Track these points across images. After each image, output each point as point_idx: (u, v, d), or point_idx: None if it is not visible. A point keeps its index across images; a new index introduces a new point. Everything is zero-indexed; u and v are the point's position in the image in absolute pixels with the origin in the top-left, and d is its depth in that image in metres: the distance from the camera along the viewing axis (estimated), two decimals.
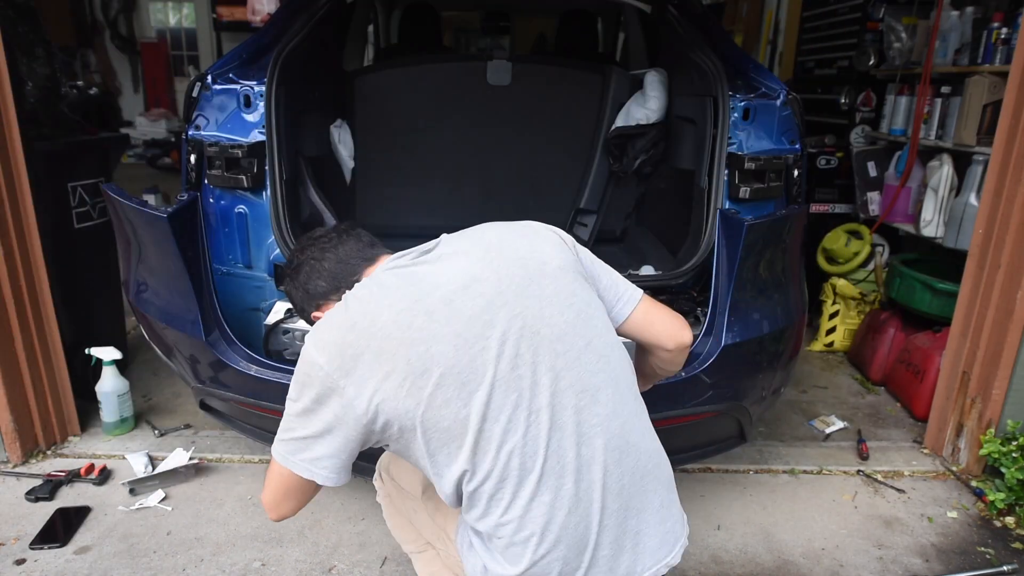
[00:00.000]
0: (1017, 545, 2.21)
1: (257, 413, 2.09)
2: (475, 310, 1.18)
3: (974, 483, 2.48)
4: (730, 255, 1.91)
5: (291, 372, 1.91)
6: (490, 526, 1.21)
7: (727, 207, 2.13)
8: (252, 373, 1.94)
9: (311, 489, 1.25)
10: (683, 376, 1.88)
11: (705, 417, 2.03)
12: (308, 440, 1.19)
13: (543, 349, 1.20)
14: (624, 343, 1.35)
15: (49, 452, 2.55)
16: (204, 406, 2.24)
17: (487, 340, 1.17)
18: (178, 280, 1.90)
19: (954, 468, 2.58)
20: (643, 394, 1.39)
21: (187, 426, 2.74)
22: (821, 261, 3.69)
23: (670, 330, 1.42)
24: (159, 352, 2.29)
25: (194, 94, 2.20)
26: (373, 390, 1.15)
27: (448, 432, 1.17)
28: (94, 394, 2.65)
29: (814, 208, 3.94)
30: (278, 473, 1.23)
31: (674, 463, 2.08)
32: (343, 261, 1.36)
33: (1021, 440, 2.36)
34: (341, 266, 1.36)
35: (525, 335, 1.19)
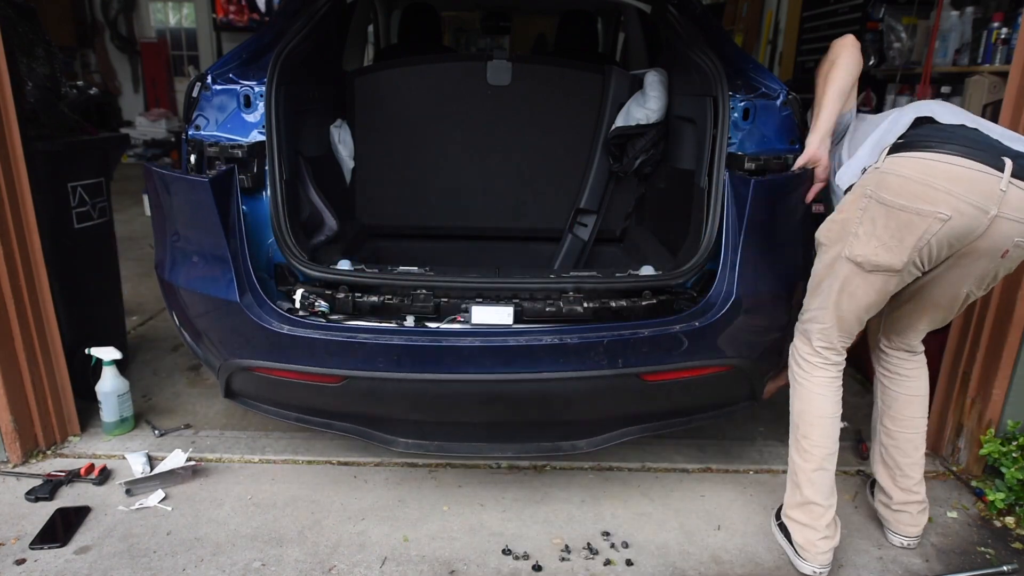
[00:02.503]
0: (1017, 545, 2.21)
1: (287, 382, 2.10)
2: None
3: (974, 483, 2.48)
4: (739, 211, 2.09)
5: (322, 330, 2.04)
6: None
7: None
8: (285, 332, 1.99)
9: None
10: (696, 326, 2.04)
11: (716, 371, 2.14)
12: None
13: None
14: None
15: (49, 452, 2.55)
16: (229, 392, 2.26)
17: None
18: (216, 241, 2.02)
19: (954, 468, 2.58)
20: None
21: (187, 426, 2.74)
22: None
23: None
24: (186, 338, 2.31)
25: (194, 94, 2.20)
26: None
27: None
28: (94, 394, 2.65)
29: (814, 208, 3.92)
30: None
31: (690, 421, 2.31)
32: None
33: (1021, 440, 2.36)
34: None
35: None
